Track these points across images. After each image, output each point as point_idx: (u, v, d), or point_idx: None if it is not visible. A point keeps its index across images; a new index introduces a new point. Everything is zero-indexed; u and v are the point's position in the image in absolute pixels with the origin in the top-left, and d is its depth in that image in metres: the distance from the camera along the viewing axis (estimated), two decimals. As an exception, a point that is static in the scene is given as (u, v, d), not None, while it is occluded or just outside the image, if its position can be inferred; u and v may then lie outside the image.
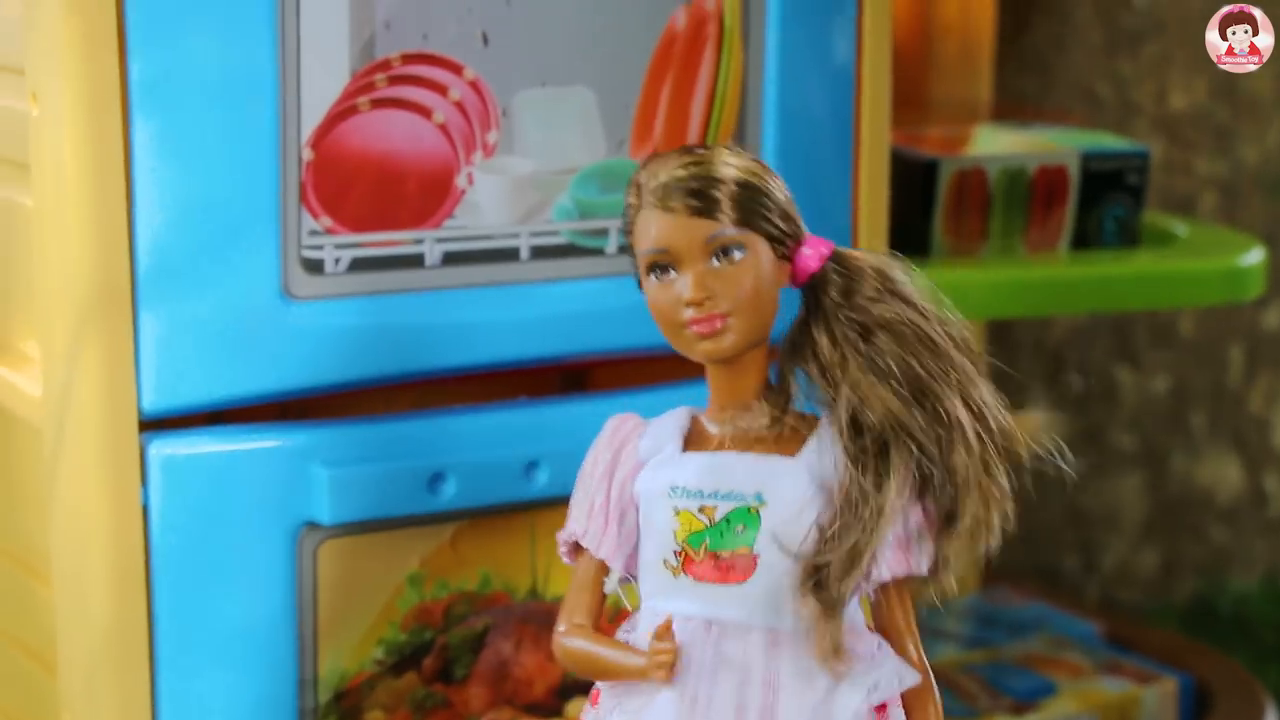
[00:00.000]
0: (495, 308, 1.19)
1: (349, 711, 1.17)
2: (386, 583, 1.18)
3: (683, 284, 0.95)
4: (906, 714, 0.98)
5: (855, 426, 0.95)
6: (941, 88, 1.94)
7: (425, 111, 1.15)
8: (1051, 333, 2.12)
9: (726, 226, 0.95)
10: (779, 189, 0.97)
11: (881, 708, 0.96)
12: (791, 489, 0.95)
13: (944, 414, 0.94)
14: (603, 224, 1.22)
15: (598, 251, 1.22)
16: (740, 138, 1.25)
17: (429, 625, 1.20)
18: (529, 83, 1.18)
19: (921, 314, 0.97)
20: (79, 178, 1.07)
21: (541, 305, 1.20)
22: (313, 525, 1.14)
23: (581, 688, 1.24)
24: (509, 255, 1.20)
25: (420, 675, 1.20)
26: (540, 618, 1.23)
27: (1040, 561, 2.15)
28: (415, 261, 1.17)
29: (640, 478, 0.99)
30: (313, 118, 1.12)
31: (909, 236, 1.48)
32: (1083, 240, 1.57)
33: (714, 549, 0.96)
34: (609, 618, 1.04)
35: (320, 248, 1.14)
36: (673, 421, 1.00)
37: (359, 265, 1.15)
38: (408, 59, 1.14)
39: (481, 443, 1.18)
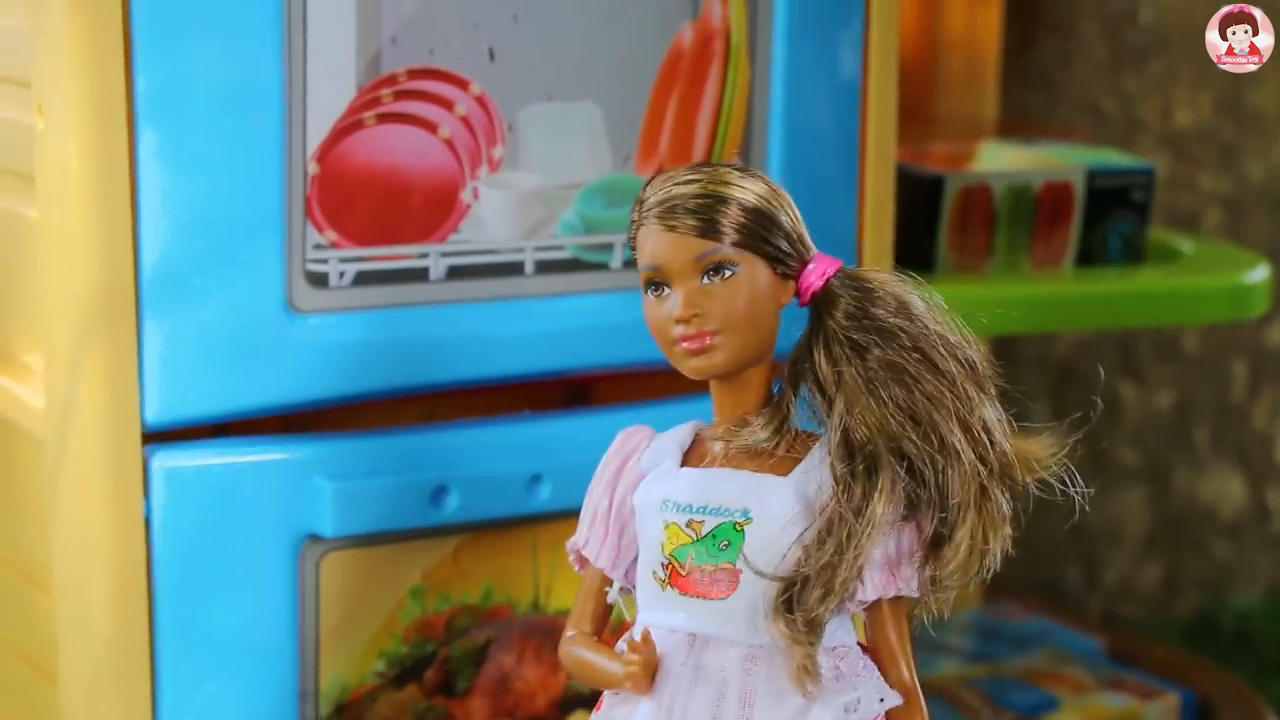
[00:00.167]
0: (499, 322, 1.19)
1: (350, 725, 1.18)
2: (388, 595, 1.18)
3: (674, 301, 0.96)
4: None
5: (847, 446, 0.94)
6: (947, 104, 1.94)
7: (431, 126, 1.15)
8: (1055, 348, 2.12)
9: (719, 245, 0.95)
10: (785, 208, 0.97)
11: None
12: (777, 507, 0.95)
13: (938, 438, 0.94)
14: (607, 239, 1.22)
15: (602, 266, 1.22)
16: (745, 154, 1.25)
17: (431, 638, 1.20)
18: (535, 98, 1.18)
19: (926, 334, 0.96)
20: (84, 190, 1.07)
21: (545, 320, 1.21)
22: (315, 538, 1.14)
23: (583, 701, 1.24)
24: (513, 270, 1.20)
25: (421, 688, 1.20)
26: (542, 631, 1.23)
27: (1042, 576, 2.15)
28: (420, 275, 1.17)
29: (639, 490, 0.99)
30: (318, 131, 1.12)
31: (914, 253, 1.48)
32: (1087, 257, 1.57)
33: (699, 563, 0.96)
34: (612, 629, 1.04)
35: (325, 261, 1.14)
36: (676, 435, 1.00)
37: (363, 279, 1.15)
38: (414, 74, 1.14)
39: (484, 456, 1.19)
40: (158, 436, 1.11)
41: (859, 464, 0.94)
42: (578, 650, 1.00)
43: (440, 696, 1.20)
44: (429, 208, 1.16)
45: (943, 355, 0.95)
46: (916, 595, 0.96)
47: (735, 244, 0.95)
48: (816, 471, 0.95)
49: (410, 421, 1.24)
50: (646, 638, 0.95)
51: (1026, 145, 1.67)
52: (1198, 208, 2.04)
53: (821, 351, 0.96)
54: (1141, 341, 2.09)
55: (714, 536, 0.96)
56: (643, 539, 0.99)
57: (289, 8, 1.10)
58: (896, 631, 0.97)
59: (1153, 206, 1.60)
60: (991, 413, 0.96)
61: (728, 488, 0.96)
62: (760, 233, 0.95)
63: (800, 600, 0.93)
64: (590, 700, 1.24)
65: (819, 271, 0.97)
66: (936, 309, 0.97)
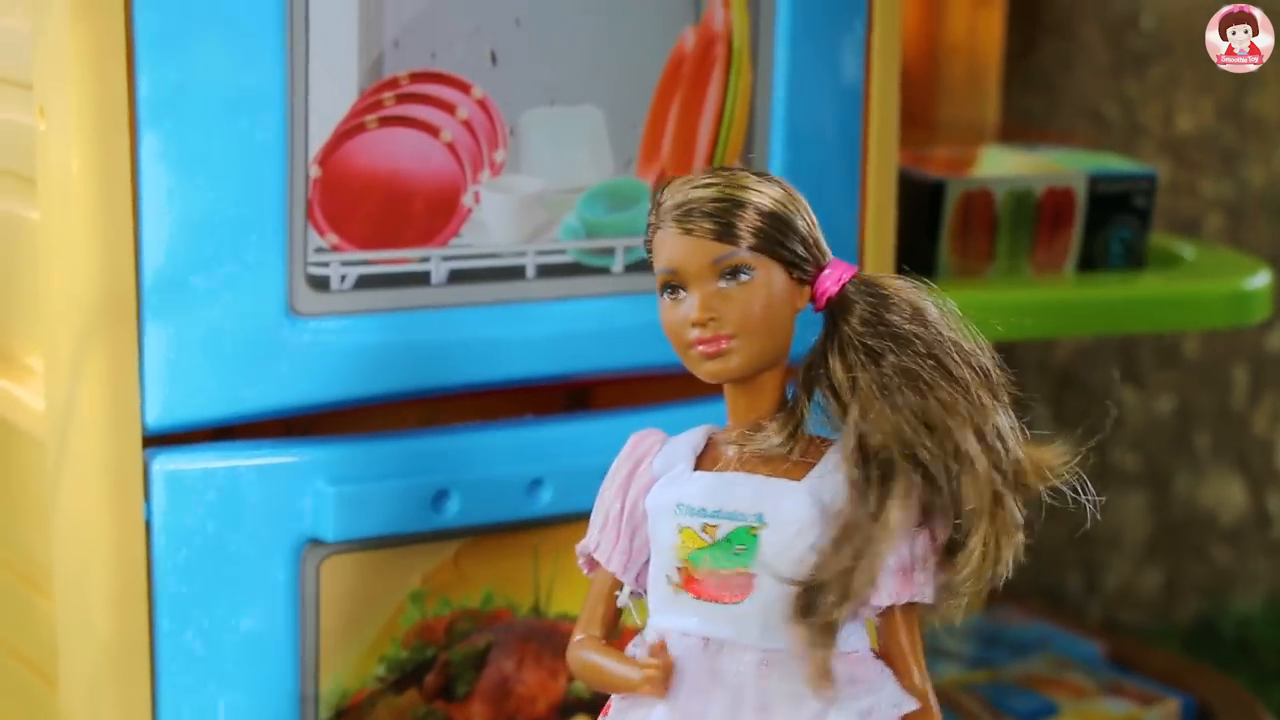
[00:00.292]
0: (501, 326, 1.19)
1: (350, 729, 1.18)
2: (389, 600, 1.18)
3: (690, 304, 0.96)
4: None
5: (862, 452, 0.94)
6: (949, 109, 1.94)
7: (433, 130, 1.15)
8: (1056, 354, 2.12)
9: (736, 249, 0.95)
10: (802, 213, 0.97)
11: None
12: (792, 511, 0.95)
13: (953, 444, 0.93)
14: (609, 243, 1.22)
15: (604, 270, 1.22)
16: (747, 158, 1.25)
17: (431, 642, 1.20)
18: (537, 101, 1.18)
19: (940, 341, 0.96)
20: (85, 192, 1.07)
21: (547, 324, 1.20)
22: (316, 542, 1.14)
23: (584, 705, 1.24)
24: (515, 274, 1.20)
25: (422, 692, 1.20)
26: (542, 636, 1.23)
27: (1043, 581, 2.14)
28: (421, 279, 1.17)
29: (651, 494, 0.99)
30: (320, 135, 1.12)
31: (915, 257, 1.48)
32: (1089, 262, 1.57)
33: (713, 567, 0.96)
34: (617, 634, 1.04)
35: (326, 265, 1.14)
36: (689, 439, 1.00)
37: (365, 282, 1.15)
38: (416, 77, 1.14)
39: (485, 460, 1.18)
40: (158, 440, 1.11)
41: (874, 470, 0.93)
42: (589, 655, 1.00)
43: (440, 701, 1.20)
44: (431, 211, 1.16)
45: (956, 362, 0.95)
46: (930, 601, 0.96)
47: (752, 248, 0.95)
48: (831, 477, 0.95)
49: (411, 425, 1.24)
50: (664, 645, 0.95)
51: (1028, 150, 1.67)
52: (1199, 213, 2.04)
53: (836, 357, 0.96)
54: (1142, 347, 2.09)
55: (729, 541, 0.96)
56: (655, 543, 0.98)
57: (291, 11, 1.10)
58: (909, 638, 0.97)
59: (1154, 212, 1.60)
60: (1005, 420, 0.96)
61: (742, 492, 0.96)
62: (777, 237, 0.95)
63: (817, 604, 0.92)
64: (591, 704, 1.24)
65: (834, 277, 0.97)
66: (950, 315, 0.97)
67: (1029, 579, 2.10)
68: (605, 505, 1.01)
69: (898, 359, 0.95)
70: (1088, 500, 0.96)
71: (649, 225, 0.98)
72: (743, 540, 0.95)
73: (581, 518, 1.02)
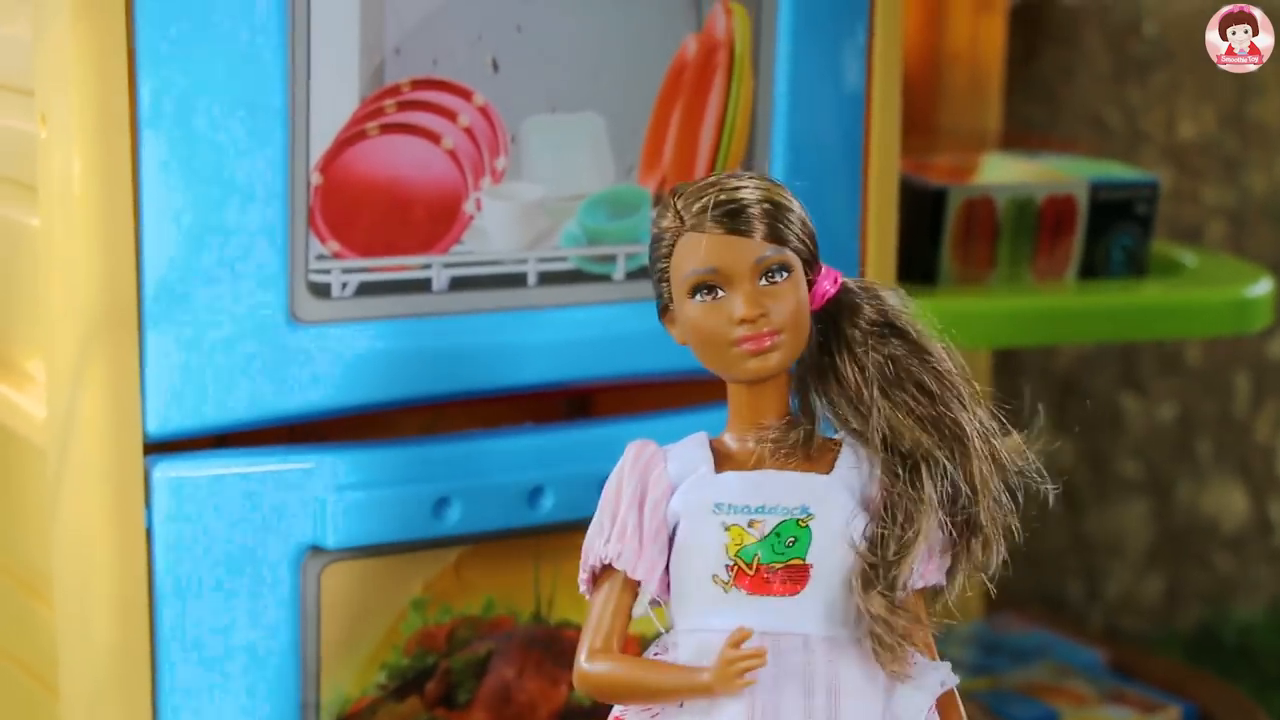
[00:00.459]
0: (502, 333, 1.19)
1: (351, 736, 1.17)
2: (390, 607, 1.18)
3: (735, 303, 0.97)
4: (941, 715, 1.00)
5: (886, 444, 0.98)
6: (950, 116, 1.94)
7: (434, 137, 1.15)
8: (1058, 361, 2.12)
9: (775, 248, 0.97)
10: (806, 217, 1.00)
11: None
12: (834, 502, 0.98)
13: (961, 431, 0.98)
14: (610, 250, 1.22)
15: (605, 278, 1.22)
16: (749, 165, 1.25)
17: (432, 650, 1.20)
18: (538, 109, 1.18)
19: (925, 336, 1.00)
20: (86, 199, 1.07)
21: (548, 331, 1.20)
22: (317, 549, 1.14)
23: (585, 714, 1.24)
24: (516, 281, 1.20)
25: (423, 700, 1.20)
26: (544, 643, 1.23)
27: (1044, 588, 2.14)
28: (422, 286, 1.17)
29: (676, 499, 0.99)
30: (321, 142, 1.12)
31: (917, 265, 1.48)
32: (1090, 270, 1.57)
33: (766, 561, 0.97)
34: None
35: (328, 272, 1.14)
36: (695, 444, 1.01)
37: (366, 290, 1.15)
38: (417, 84, 1.14)
39: (486, 468, 1.18)
40: (159, 447, 1.11)
41: (902, 458, 0.98)
42: (612, 666, 0.99)
43: (442, 708, 1.20)
44: (432, 218, 1.16)
45: (940, 356, 1.00)
46: (943, 584, 1.00)
47: (792, 247, 0.98)
48: (856, 470, 0.99)
49: (412, 433, 1.24)
50: (744, 637, 0.95)
51: (1030, 157, 1.67)
52: (1201, 220, 2.04)
53: (846, 356, 0.99)
54: (1144, 354, 2.08)
55: (778, 535, 0.97)
56: (691, 546, 0.99)
57: (292, 19, 1.10)
58: (925, 620, 1.01)
59: (1156, 219, 1.60)
60: (984, 412, 1.00)
61: (780, 487, 0.98)
62: (803, 237, 0.99)
63: (888, 578, 0.96)
64: (592, 713, 1.24)
65: (831, 278, 1.00)
66: (923, 318, 1.01)
67: (1030, 586, 2.10)
68: (619, 517, 1.00)
69: (902, 353, 0.99)
70: (1052, 488, 1.00)
71: (665, 230, 0.99)
72: (792, 532, 0.97)
73: (583, 525, 1.02)
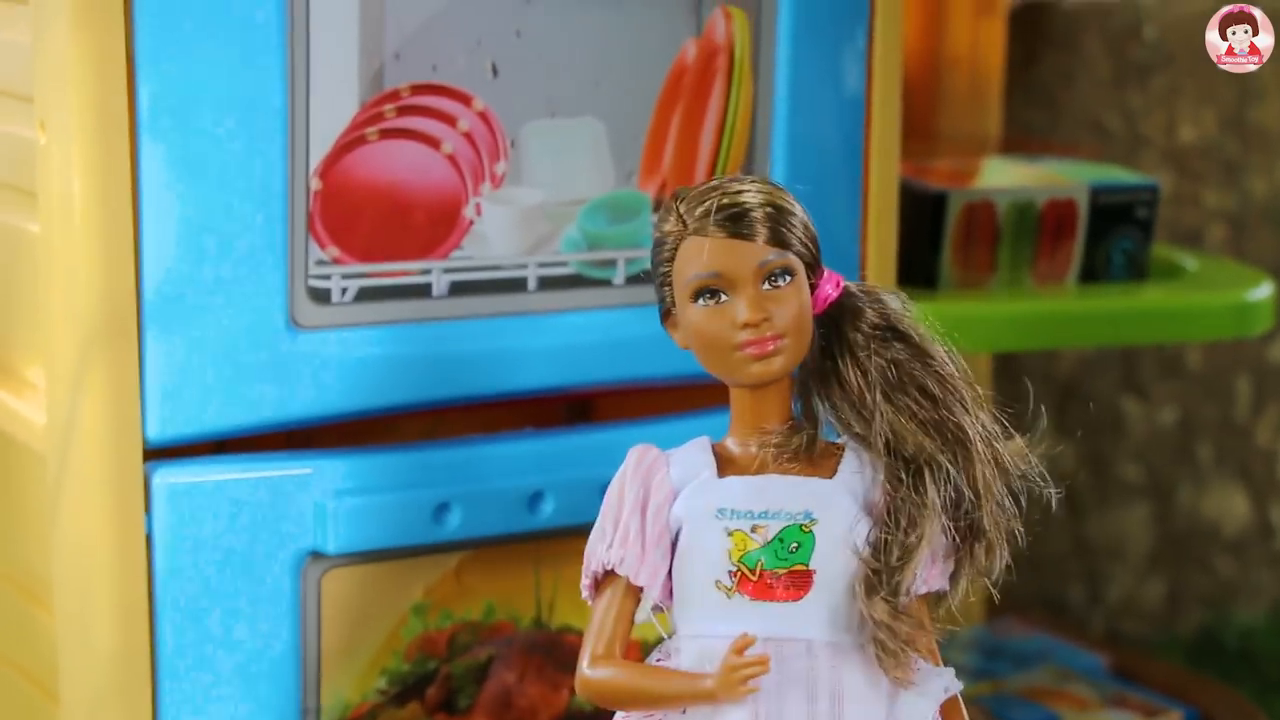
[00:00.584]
0: (502, 338, 1.19)
1: (351, 742, 1.17)
2: (390, 612, 1.18)
3: (738, 307, 0.97)
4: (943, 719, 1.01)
5: (889, 448, 0.98)
6: (951, 120, 1.94)
7: (434, 142, 1.15)
8: (1059, 364, 2.12)
9: (778, 251, 0.97)
10: (809, 220, 1.00)
11: None
12: (837, 507, 0.98)
13: (964, 435, 0.98)
14: (611, 255, 1.22)
15: (605, 283, 1.22)
16: (749, 169, 1.25)
17: (433, 655, 1.19)
18: (538, 113, 1.18)
19: (928, 339, 1.00)
20: (86, 205, 1.07)
21: (548, 336, 1.20)
22: (317, 554, 1.14)
23: (585, 719, 1.24)
24: (516, 286, 1.20)
25: (423, 705, 1.20)
26: (544, 648, 1.23)
27: (1045, 593, 2.14)
28: (422, 292, 1.17)
29: (679, 504, 0.99)
30: (321, 147, 1.12)
31: (917, 269, 1.48)
32: (1091, 274, 1.57)
33: (770, 567, 0.97)
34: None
35: (327, 277, 1.14)
36: (698, 449, 1.01)
37: (366, 295, 1.15)
38: (417, 90, 1.14)
39: (487, 473, 1.18)
40: (159, 453, 1.11)
41: (905, 463, 0.98)
42: (614, 673, 0.99)
43: (442, 714, 1.20)
44: (432, 224, 1.16)
45: (943, 360, 1.00)
46: (946, 589, 0.99)
47: (795, 251, 0.98)
48: (859, 475, 0.99)
49: (412, 438, 1.24)
50: (747, 644, 0.95)
51: (1030, 161, 1.67)
52: (1201, 224, 2.04)
53: (848, 360, 0.99)
54: (1145, 358, 2.08)
55: (781, 540, 0.97)
56: (694, 551, 0.99)
57: (292, 23, 1.10)
58: (929, 626, 1.00)
59: (1156, 223, 1.60)
60: (986, 415, 1.00)
61: (783, 492, 0.98)
62: (806, 241, 0.99)
63: (891, 583, 0.96)
64: (593, 718, 1.23)
65: (834, 282, 1.00)
66: (923, 322, 1.01)
67: (1031, 590, 2.10)
68: (621, 522, 1.00)
69: (905, 357, 0.99)
70: (1054, 491, 1.00)
71: (667, 235, 0.99)
72: (795, 537, 0.97)
73: (583, 530, 1.02)
